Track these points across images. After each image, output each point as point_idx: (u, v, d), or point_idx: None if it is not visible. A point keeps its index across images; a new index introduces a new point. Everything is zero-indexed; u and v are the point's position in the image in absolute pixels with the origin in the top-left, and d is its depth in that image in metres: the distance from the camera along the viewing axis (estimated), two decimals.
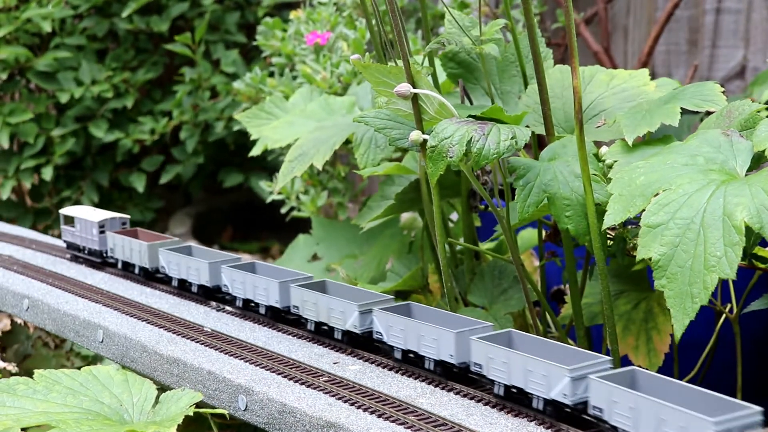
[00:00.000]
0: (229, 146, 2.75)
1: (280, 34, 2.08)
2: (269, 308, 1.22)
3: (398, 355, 1.05)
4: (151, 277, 1.45)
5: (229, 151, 2.81)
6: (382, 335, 1.06)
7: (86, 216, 1.56)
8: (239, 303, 1.27)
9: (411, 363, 1.04)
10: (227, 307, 1.34)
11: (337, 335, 1.12)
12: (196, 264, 1.33)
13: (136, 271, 1.46)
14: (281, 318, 1.23)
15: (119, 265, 1.50)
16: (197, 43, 2.58)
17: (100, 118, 2.67)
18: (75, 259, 1.62)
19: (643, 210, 0.92)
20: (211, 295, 1.34)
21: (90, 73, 2.64)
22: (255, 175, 2.68)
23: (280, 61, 2.07)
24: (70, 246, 1.62)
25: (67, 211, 1.64)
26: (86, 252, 1.57)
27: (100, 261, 1.55)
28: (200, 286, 1.33)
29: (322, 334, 1.15)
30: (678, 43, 2.23)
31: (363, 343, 1.11)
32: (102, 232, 1.52)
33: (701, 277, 0.85)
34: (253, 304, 1.25)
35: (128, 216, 1.56)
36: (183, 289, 1.38)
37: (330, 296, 1.13)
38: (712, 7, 2.16)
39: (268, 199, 2.01)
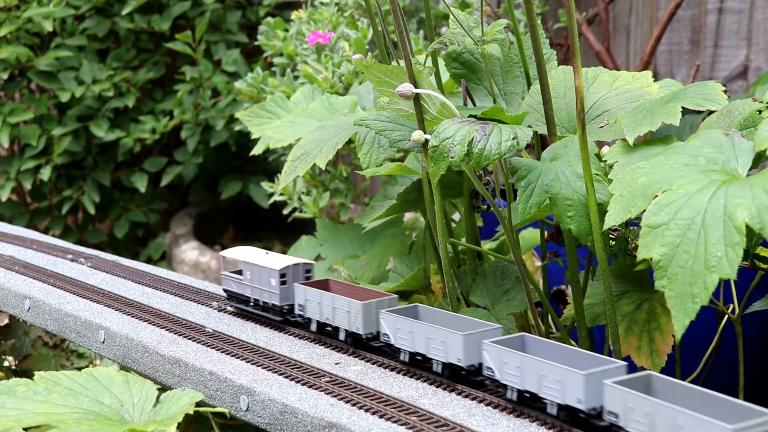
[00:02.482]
0: (231, 147, 2.75)
1: (281, 34, 2.08)
2: (563, 407, 0.88)
3: None
4: (363, 345, 1.12)
5: (230, 153, 2.81)
6: None
7: (259, 261, 1.24)
8: (512, 395, 0.93)
9: None
10: (229, 308, 1.33)
11: None
12: (443, 336, 1.00)
13: (341, 336, 1.13)
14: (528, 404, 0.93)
15: (312, 327, 1.17)
16: (198, 41, 2.58)
17: (101, 117, 2.67)
18: (241, 314, 1.30)
19: (644, 210, 0.92)
20: (466, 379, 1.00)
21: (91, 73, 2.64)
22: (254, 181, 2.68)
23: (281, 61, 2.07)
24: (234, 297, 1.30)
25: (231, 253, 1.31)
26: (259, 306, 1.25)
27: (281, 320, 1.23)
28: (447, 366, 1.00)
29: None
30: (680, 43, 2.23)
31: None
32: (284, 282, 1.21)
33: (702, 277, 0.84)
34: (533, 400, 0.92)
35: (312, 262, 1.25)
36: (415, 365, 1.05)
37: (686, 411, 0.77)
38: (714, 6, 2.16)
39: (269, 201, 2.01)
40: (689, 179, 0.91)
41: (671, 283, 0.87)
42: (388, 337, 1.07)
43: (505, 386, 0.93)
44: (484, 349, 0.95)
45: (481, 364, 0.97)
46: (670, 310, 1.14)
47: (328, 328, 1.15)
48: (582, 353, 0.91)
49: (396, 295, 1.13)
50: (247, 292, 1.26)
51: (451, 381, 1.01)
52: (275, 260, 1.23)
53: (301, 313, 1.19)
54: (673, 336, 1.14)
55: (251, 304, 1.26)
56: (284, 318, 1.22)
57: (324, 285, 1.20)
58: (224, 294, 1.33)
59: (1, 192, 2.64)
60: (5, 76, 2.60)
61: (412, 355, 1.04)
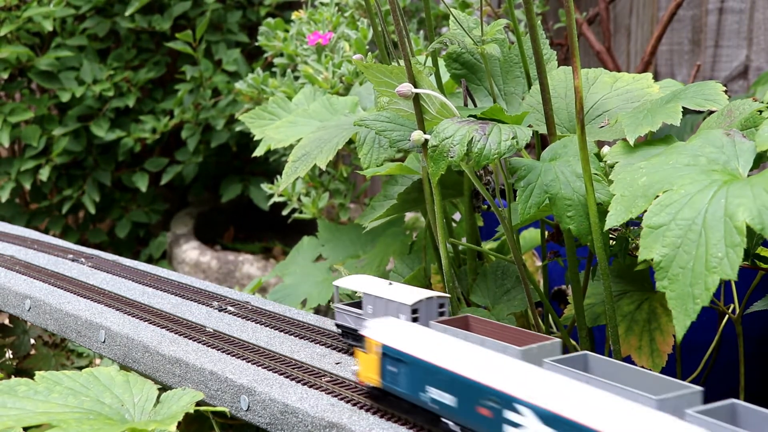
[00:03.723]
0: (231, 147, 2.75)
1: (282, 34, 2.08)
2: None
3: None
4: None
5: (231, 154, 2.81)
6: None
7: (384, 293, 1.06)
8: None
9: None
10: (230, 307, 1.33)
11: None
12: (630, 397, 0.76)
13: None
14: None
15: None
16: (198, 41, 2.58)
17: (101, 117, 2.67)
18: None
19: (645, 211, 0.92)
20: None
21: (91, 73, 2.64)
22: (255, 183, 2.69)
23: (282, 62, 2.07)
24: (349, 334, 1.13)
25: (346, 283, 1.13)
26: None
27: None
28: None
29: None
30: (681, 43, 2.23)
31: None
32: (416, 319, 1.02)
33: (703, 278, 0.84)
34: None
35: (446, 295, 1.05)
36: None
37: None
38: (715, 6, 2.16)
39: (269, 203, 2.01)
40: (690, 179, 0.91)
41: (672, 283, 0.87)
42: None
43: None
44: (688, 418, 0.73)
45: None
46: (670, 310, 1.14)
47: None
48: None
49: (559, 340, 0.92)
50: None
51: None
52: (403, 293, 1.05)
53: None
54: (674, 336, 1.14)
55: None
56: None
57: (463, 323, 1.01)
58: (336, 329, 1.16)
59: (1, 193, 2.64)
60: (6, 75, 2.60)
61: None
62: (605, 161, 1.09)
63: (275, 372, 1.08)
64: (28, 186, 2.69)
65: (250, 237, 2.95)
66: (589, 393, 0.74)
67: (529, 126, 1.14)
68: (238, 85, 2.11)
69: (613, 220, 0.95)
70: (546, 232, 1.32)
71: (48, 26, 2.54)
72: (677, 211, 0.89)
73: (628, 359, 1.13)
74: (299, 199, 1.95)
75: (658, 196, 0.92)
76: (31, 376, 1.06)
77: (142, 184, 2.71)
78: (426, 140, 1.09)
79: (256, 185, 2.68)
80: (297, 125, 1.57)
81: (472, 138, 1.03)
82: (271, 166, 2.72)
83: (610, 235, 1.14)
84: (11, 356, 1.75)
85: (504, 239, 1.47)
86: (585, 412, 0.72)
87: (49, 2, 2.61)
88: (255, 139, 1.67)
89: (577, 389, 0.75)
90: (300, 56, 2.00)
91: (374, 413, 0.95)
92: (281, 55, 2.11)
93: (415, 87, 1.10)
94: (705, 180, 0.91)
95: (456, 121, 1.07)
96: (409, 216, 1.74)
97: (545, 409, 0.75)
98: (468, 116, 1.10)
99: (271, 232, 2.93)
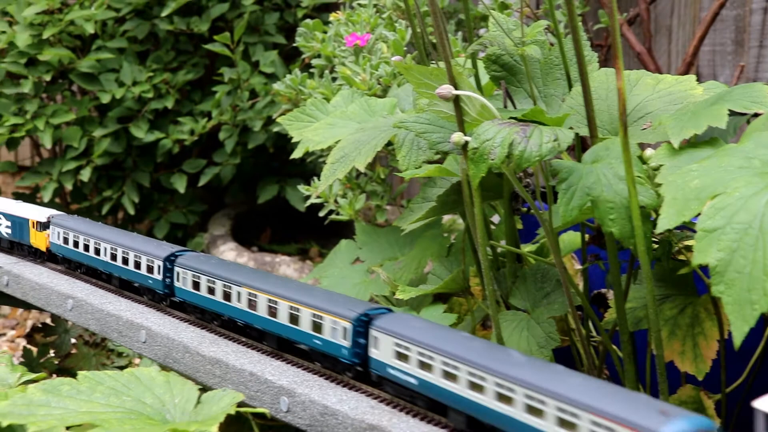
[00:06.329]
0: (269, 149, 2.76)
1: (319, 35, 2.08)
2: None
3: None
4: None
5: (268, 155, 2.82)
6: None
7: None
8: None
9: None
10: None
11: None
12: None
13: None
14: None
15: None
16: (236, 43, 2.59)
17: (140, 118, 2.69)
18: None
19: (698, 214, 0.90)
20: None
21: (131, 75, 2.67)
22: (291, 184, 2.69)
23: (319, 63, 2.07)
24: None
25: None
26: None
27: None
28: None
29: None
30: (724, 44, 2.20)
31: None
32: None
33: (761, 283, 0.82)
34: None
35: None
36: None
37: None
38: (759, 6, 2.12)
39: (306, 204, 2.02)
40: (744, 182, 0.89)
41: (729, 289, 0.84)
42: None
43: None
44: None
45: None
46: (714, 315, 1.13)
47: None
48: None
49: None
50: None
51: None
52: None
53: None
54: (718, 341, 1.12)
55: None
56: None
57: None
58: None
59: (44, 193, 2.68)
60: (48, 78, 2.64)
61: None
62: (648, 164, 1.07)
63: (315, 373, 1.08)
64: (69, 186, 2.73)
65: (287, 238, 2.96)
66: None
67: (570, 128, 1.13)
68: (276, 86, 2.12)
69: (665, 223, 0.93)
70: (586, 235, 1.30)
71: (89, 29, 2.57)
72: (732, 215, 0.87)
73: (670, 364, 1.12)
74: (336, 201, 1.95)
75: (712, 199, 0.90)
76: (72, 375, 1.07)
77: (180, 185, 2.74)
78: (466, 142, 1.08)
79: (293, 186, 2.69)
80: (335, 127, 1.57)
81: (513, 140, 1.02)
82: (308, 168, 2.73)
83: (653, 239, 1.12)
84: (53, 355, 1.78)
85: (543, 242, 1.46)
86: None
87: (91, 5, 2.64)
88: (293, 141, 1.67)
89: None
90: (338, 57, 2.00)
91: (414, 416, 0.95)
92: (319, 56, 2.11)
93: (456, 88, 1.09)
94: (759, 183, 0.89)
95: (497, 123, 1.06)
96: (446, 218, 1.73)
97: (8, 213, 1.66)
98: (508, 118, 1.09)
99: (308, 233, 2.94)
